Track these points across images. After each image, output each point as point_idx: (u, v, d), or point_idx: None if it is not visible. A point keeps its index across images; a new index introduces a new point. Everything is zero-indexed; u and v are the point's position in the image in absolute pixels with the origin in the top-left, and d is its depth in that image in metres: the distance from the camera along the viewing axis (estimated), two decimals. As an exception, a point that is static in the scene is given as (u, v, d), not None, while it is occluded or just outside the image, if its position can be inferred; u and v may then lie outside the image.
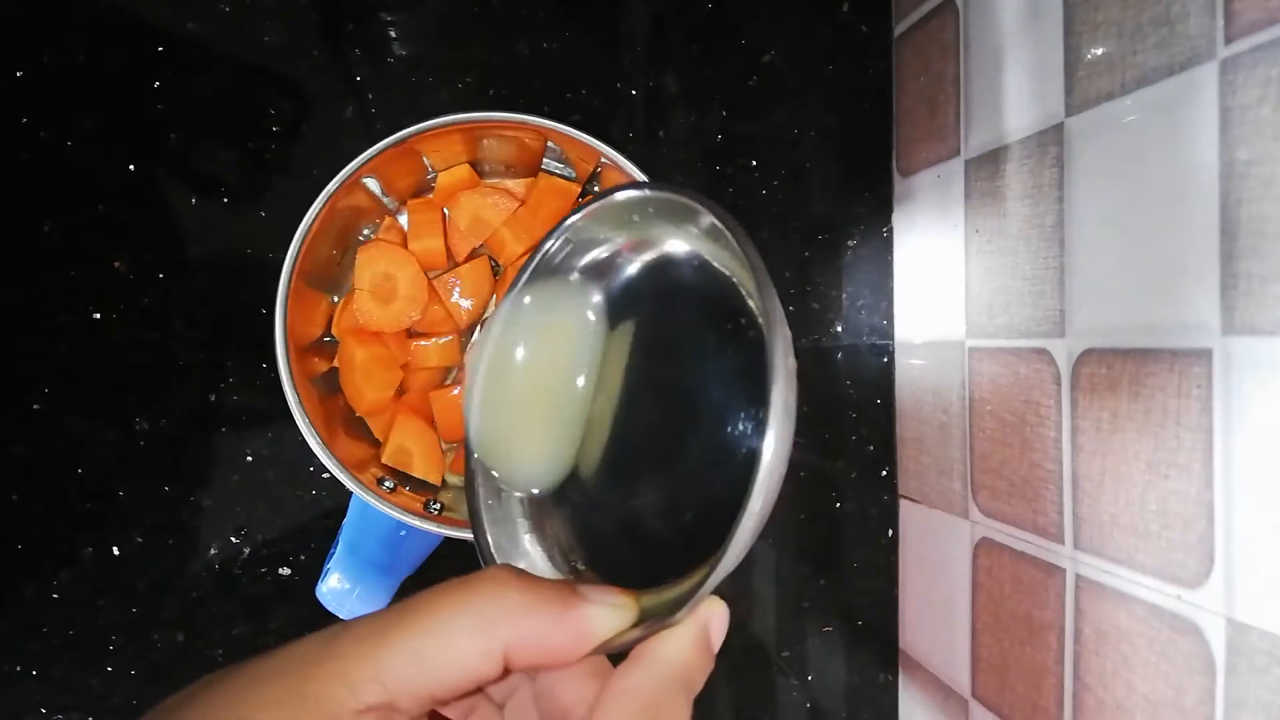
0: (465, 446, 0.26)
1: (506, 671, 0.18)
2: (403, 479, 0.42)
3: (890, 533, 0.48)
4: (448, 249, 0.43)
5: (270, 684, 0.17)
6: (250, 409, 0.44)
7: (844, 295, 0.48)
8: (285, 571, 0.45)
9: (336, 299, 0.42)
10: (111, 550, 0.43)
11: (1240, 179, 0.26)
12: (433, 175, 0.43)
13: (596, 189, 0.43)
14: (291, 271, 0.36)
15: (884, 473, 0.48)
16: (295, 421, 0.36)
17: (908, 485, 0.47)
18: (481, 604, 0.18)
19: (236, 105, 0.44)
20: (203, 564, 0.44)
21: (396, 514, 0.37)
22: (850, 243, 0.48)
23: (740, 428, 0.22)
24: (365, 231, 0.43)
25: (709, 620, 0.21)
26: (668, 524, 0.24)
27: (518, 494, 0.26)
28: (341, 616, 0.40)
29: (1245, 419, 0.26)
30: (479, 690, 0.22)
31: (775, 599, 0.48)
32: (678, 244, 0.25)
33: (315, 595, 0.40)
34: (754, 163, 0.47)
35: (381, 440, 0.42)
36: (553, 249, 0.25)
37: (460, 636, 0.18)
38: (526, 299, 0.25)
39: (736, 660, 0.48)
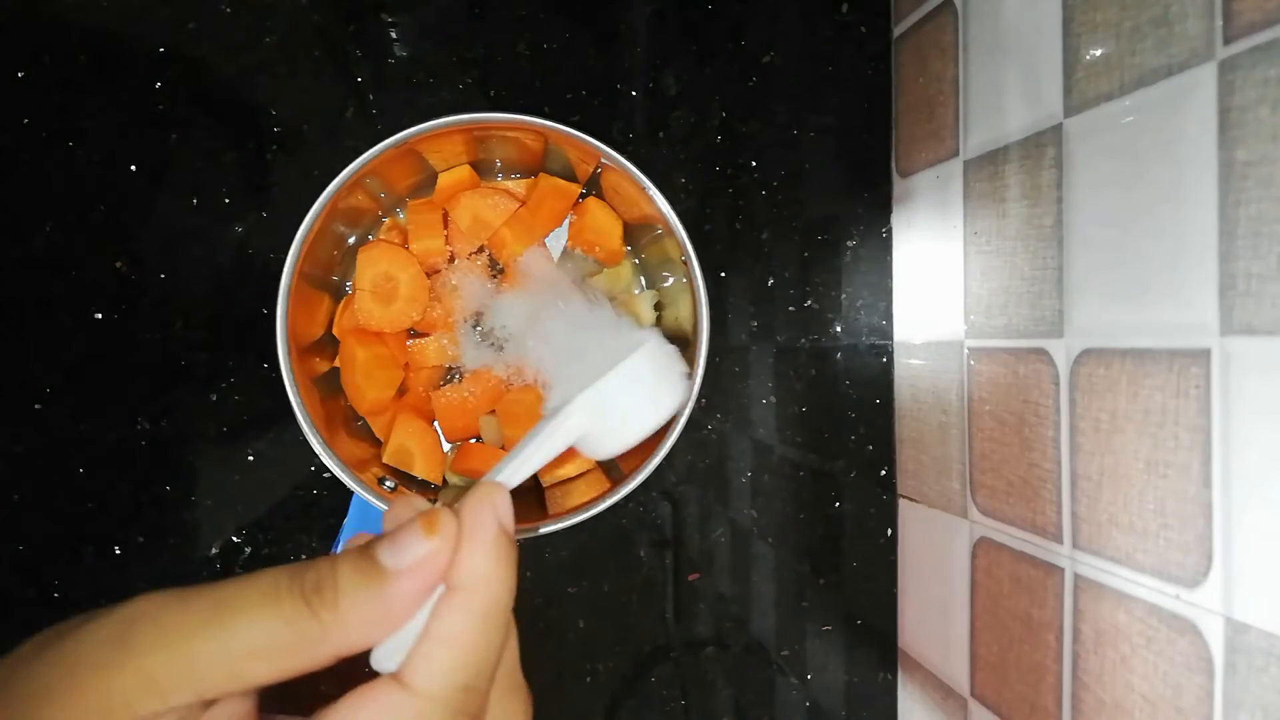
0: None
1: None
2: (404, 479, 0.42)
3: (889, 532, 0.48)
4: (448, 249, 0.43)
5: (66, 692, 0.16)
6: (251, 409, 0.44)
7: (843, 295, 0.48)
8: (286, 571, 0.45)
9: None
10: (113, 550, 0.43)
11: (1239, 179, 0.26)
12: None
13: (597, 189, 0.44)
14: (293, 272, 0.36)
15: (883, 472, 0.48)
16: (296, 421, 0.36)
17: (907, 485, 0.47)
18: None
19: (237, 106, 0.44)
20: (204, 563, 0.44)
21: (397, 514, 0.37)
22: (849, 243, 0.48)
23: None
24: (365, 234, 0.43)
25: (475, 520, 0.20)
26: None
27: None
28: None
29: (1243, 418, 0.26)
30: None
31: (775, 598, 0.48)
32: None
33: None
34: (754, 163, 0.47)
35: (382, 440, 0.42)
36: None
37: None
38: None
39: (736, 659, 0.48)
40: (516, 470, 0.24)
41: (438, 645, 0.18)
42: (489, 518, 0.20)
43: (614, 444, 0.27)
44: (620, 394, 0.26)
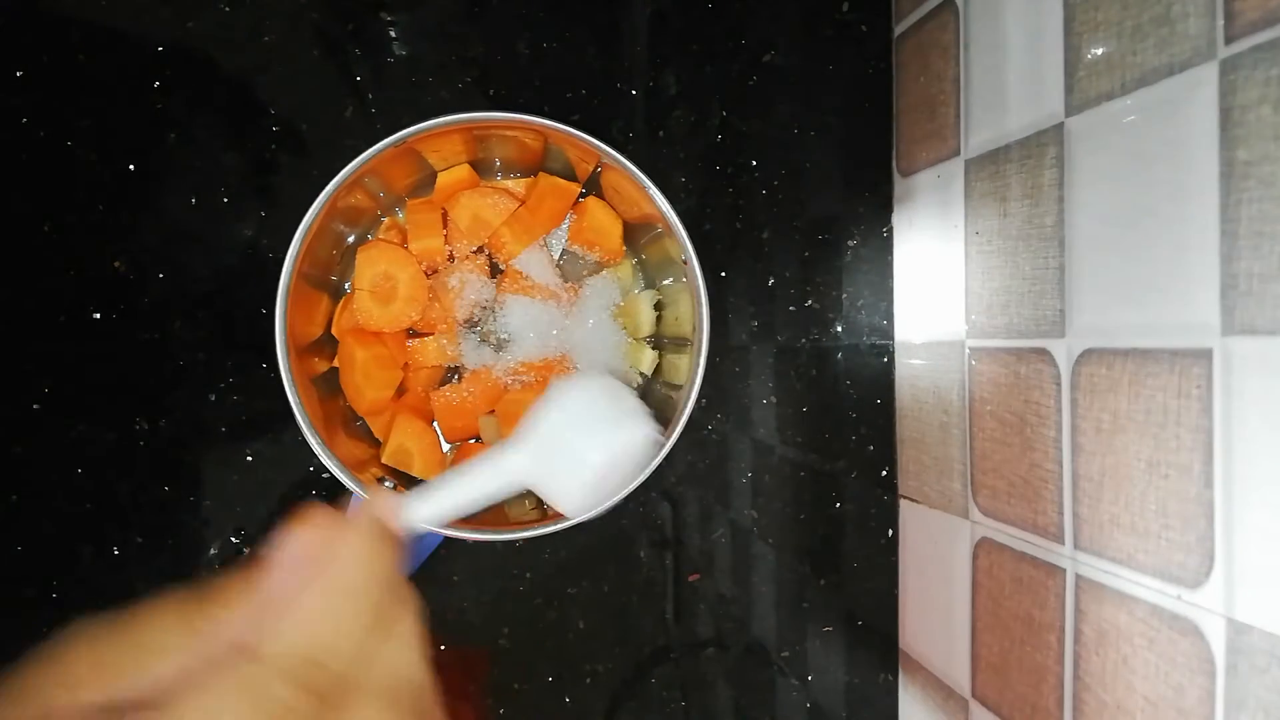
0: None
1: None
2: (403, 479, 0.42)
3: (890, 533, 0.48)
4: (448, 249, 0.43)
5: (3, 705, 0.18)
6: (250, 409, 0.44)
7: (844, 295, 0.48)
8: (285, 571, 0.45)
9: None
10: (111, 550, 0.43)
11: (1240, 179, 0.26)
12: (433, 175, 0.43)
13: (597, 189, 0.43)
14: (292, 271, 0.36)
15: (884, 473, 0.48)
16: (295, 421, 0.36)
17: (908, 485, 0.47)
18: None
19: (236, 105, 0.44)
20: (202, 564, 0.44)
21: (396, 514, 0.37)
22: (850, 242, 0.48)
23: None
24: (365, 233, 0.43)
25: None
26: None
27: None
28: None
29: (1245, 419, 0.26)
30: None
31: (775, 599, 0.48)
32: None
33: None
34: (754, 162, 0.47)
35: (381, 440, 0.42)
36: None
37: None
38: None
39: (736, 660, 0.48)
40: (435, 499, 0.24)
41: (287, 615, 0.20)
42: (367, 514, 0.22)
43: (573, 489, 0.25)
44: (561, 430, 0.25)
